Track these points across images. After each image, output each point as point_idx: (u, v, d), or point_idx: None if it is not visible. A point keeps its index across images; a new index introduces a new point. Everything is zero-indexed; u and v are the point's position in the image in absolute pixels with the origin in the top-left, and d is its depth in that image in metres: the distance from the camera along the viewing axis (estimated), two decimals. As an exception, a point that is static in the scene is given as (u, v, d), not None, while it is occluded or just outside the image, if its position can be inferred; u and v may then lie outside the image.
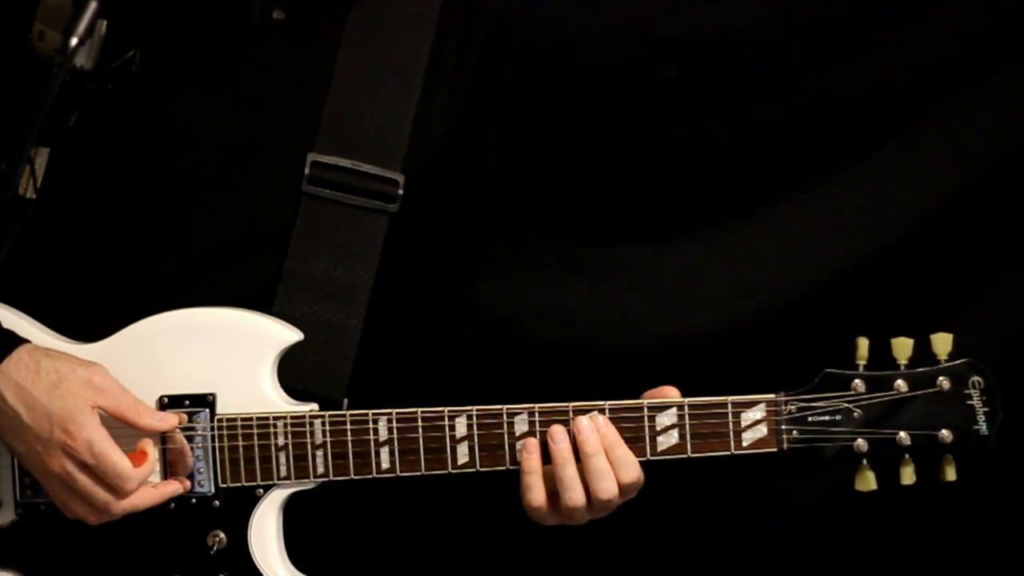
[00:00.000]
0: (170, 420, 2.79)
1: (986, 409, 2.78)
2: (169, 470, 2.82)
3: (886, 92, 3.73)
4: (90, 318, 2.87)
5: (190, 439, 2.82)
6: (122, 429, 2.75)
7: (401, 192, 2.94)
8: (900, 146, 3.74)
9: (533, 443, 2.81)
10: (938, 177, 3.75)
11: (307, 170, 2.90)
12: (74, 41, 2.66)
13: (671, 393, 2.84)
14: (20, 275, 2.88)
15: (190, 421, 2.82)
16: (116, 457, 2.69)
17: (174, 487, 2.80)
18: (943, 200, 3.74)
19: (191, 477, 2.83)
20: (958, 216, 3.73)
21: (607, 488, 2.79)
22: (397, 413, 2.82)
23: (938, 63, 3.74)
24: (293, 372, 2.87)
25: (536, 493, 2.81)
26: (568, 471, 2.79)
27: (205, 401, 2.83)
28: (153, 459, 2.76)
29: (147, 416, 2.76)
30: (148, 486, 2.75)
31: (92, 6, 2.67)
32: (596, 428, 2.79)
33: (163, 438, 2.82)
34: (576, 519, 2.84)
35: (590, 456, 2.79)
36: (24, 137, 2.68)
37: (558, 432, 2.80)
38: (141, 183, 2.90)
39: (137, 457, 2.73)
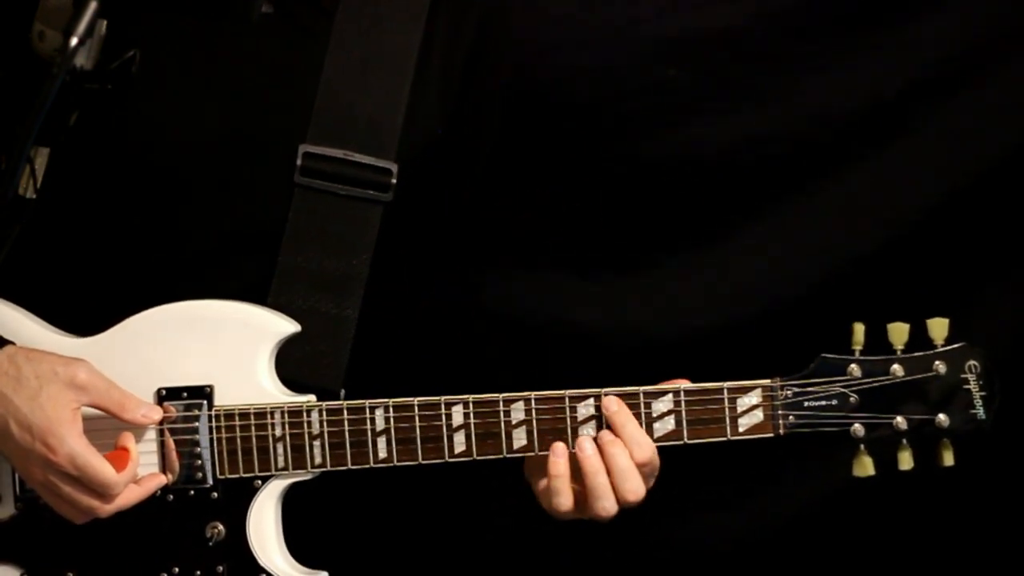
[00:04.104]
0: (156, 414, 2.80)
1: (983, 393, 2.77)
2: (165, 461, 2.84)
3: (886, 92, 3.74)
4: (89, 315, 2.87)
5: (187, 431, 2.83)
6: (109, 420, 2.76)
7: (394, 181, 2.95)
8: (900, 146, 3.75)
9: (562, 447, 2.81)
10: (938, 176, 3.76)
11: (299, 162, 2.92)
12: (74, 41, 2.66)
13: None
14: (20, 275, 2.88)
15: (188, 412, 2.83)
16: (99, 466, 2.69)
17: (158, 480, 2.80)
18: (943, 199, 3.75)
19: (188, 468, 2.84)
20: (958, 215, 3.73)
21: (635, 490, 2.79)
22: (394, 402, 2.82)
23: (938, 63, 3.74)
24: (290, 363, 2.87)
25: (566, 497, 2.82)
26: (600, 479, 2.79)
27: (203, 393, 2.83)
28: (136, 457, 2.76)
29: (132, 411, 2.77)
30: (132, 484, 2.76)
31: (92, 6, 2.68)
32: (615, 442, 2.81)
33: (160, 430, 2.83)
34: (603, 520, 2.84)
35: (615, 457, 2.80)
36: (24, 137, 2.69)
37: (587, 442, 2.80)
38: (139, 181, 2.91)
39: (119, 458, 2.73)
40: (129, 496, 2.75)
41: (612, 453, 2.79)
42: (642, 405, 2.81)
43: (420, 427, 2.82)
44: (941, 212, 3.74)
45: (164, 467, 2.83)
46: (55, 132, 2.83)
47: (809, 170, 3.75)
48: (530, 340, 3.69)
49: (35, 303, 2.89)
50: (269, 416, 2.83)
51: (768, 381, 2.80)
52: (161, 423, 2.82)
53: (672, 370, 2.90)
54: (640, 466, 2.79)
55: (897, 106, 3.74)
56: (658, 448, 2.83)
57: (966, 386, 2.77)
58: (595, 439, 2.81)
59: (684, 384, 2.83)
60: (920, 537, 3.78)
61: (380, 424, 2.82)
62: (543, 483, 2.85)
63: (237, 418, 2.83)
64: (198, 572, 2.84)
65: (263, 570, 2.84)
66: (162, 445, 2.83)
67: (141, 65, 2.87)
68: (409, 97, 2.97)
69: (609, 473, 2.79)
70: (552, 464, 2.81)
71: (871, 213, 3.76)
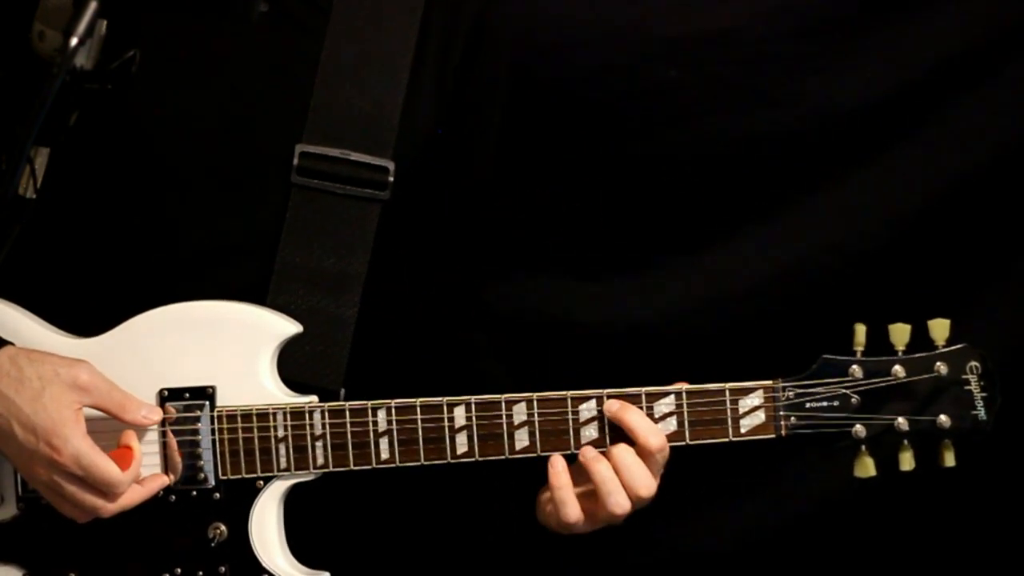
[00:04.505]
0: (156, 415, 2.80)
1: (984, 394, 2.77)
2: (167, 461, 2.84)
3: (887, 92, 3.74)
4: (89, 314, 2.88)
5: (190, 432, 2.83)
6: (110, 421, 2.76)
7: (392, 179, 2.95)
8: (900, 146, 3.75)
9: (561, 460, 2.81)
10: (938, 176, 3.75)
11: (296, 161, 2.92)
12: (74, 41, 2.68)
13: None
14: (20, 274, 2.89)
15: (190, 413, 2.83)
16: (104, 465, 2.69)
17: (160, 481, 2.81)
18: (943, 199, 3.75)
19: (190, 469, 2.84)
20: (958, 215, 3.73)
21: (647, 484, 2.79)
22: (396, 403, 2.82)
23: (939, 63, 3.74)
24: (289, 363, 2.87)
25: (573, 508, 2.80)
26: (608, 475, 2.78)
27: (205, 394, 2.84)
28: (139, 456, 2.76)
29: (133, 412, 2.76)
30: (135, 484, 2.76)
31: (92, 6, 2.69)
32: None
33: (162, 431, 2.83)
34: (614, 523, 2.83)
35: (621, 454, 2.79)
36: (24, 137, 2.70)
37: (588, 448, 2.81)
38: (138, 181, 2.92)
39: (123, 456, 2.74)
40: (132, 496, 2.75)
41: (616, 452, 2.78)
42: (644, 406, 2.81)
43: (422, 428, 2.82)
44: (941, 212, 3.74)
45: (166, 468, 2.83)
46: (55, 132, 2.84)
47: (809, 170, 3.75)
48: (529, 340, 3.69)
49: (35, 303, 2.89)
50: (271, 417, 2.83)
51: (770, 382, 2.80)
52: (163, 424, 2.82)
53: (672, 370, 2.91)
54: (656, 452, 2.77)
55: (897, 106, 3.73)
56: None
57: (967, 387, 2.77)
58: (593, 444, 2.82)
59: (685, 386, 2.82)
60: (921, 537, 3.78)
61: (382, 425, 2.82)
62: (547, 499, 2.84)
63: (239, 419, 2.83)
64: (200, 573, 2.84)
65: (265, 571, 2.84)
66: (164, 446, 2.83)
67: (141, 65, 2.87)
68: (406, 95, 2.98)
69: (617, 471, 2.78)
70: (554, 476, 2.80)
71: (872, 213, 3.76)
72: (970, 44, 3.75)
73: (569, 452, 2.83)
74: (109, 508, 2.73)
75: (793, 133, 3.73)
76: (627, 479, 2.78)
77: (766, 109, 3.73)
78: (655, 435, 2.78)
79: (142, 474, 2.79)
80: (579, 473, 2.82)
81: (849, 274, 3.75)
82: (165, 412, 2.82)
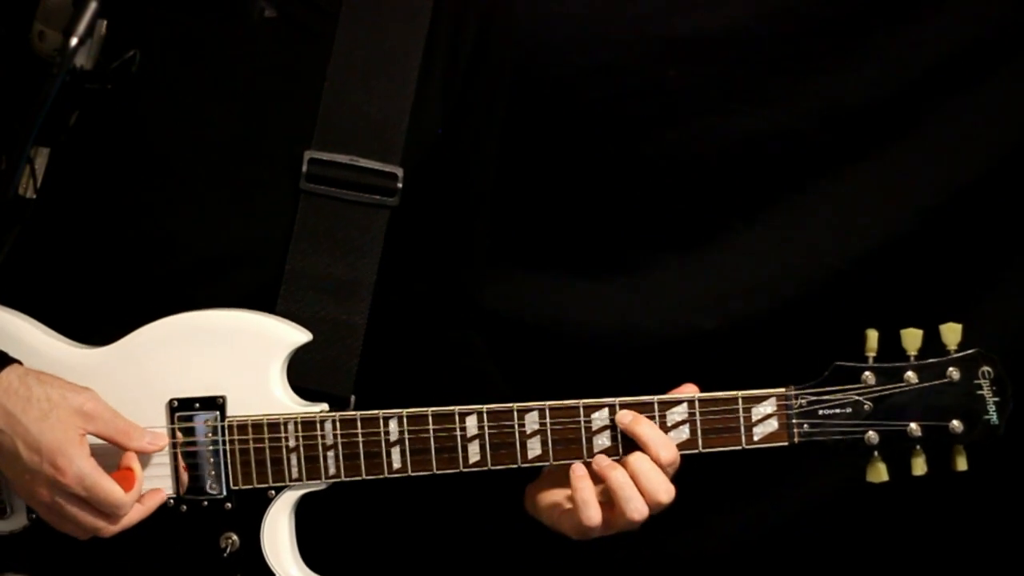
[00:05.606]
0: (161, 441, 2.78)
1: (996, 399, 2.77)
2: (176, 472, 2.82)
3: (887, 92, 3.74)
4: (91, 319, 2.86)
5: (200, 442, 2.81)
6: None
7: (400, 185, 2.94)
8: (901, 145, 3.74)
9: (582, 467, 2.79)
10: (941, 175, 3.75)
11: (304, 168, 2.90)
12: (74, 41, 2.68)
13: (689, 390, 2.82)
14: (21, 276, 2.87)
15: (200, 423, 2.81)
16: (108, 487, 2.67)
17: (159, 497, 2.79)
18: (946, 198, 3.75)
19: (200, 479, 2.82)
20: (961, 214, 3.73)
21: (667, 489, 2.77)
22: (407, 413, 2.80)
23: (938, 63, 3.74)
24: (299, 371, 2.86)
25: (594, 509, 2.77)
26: (625, 480, 2.76)
27: (215, 404, 2.82)
28: (140, 477, 2.74)
29: (137, 439, 2.75)
30: (136, 503, 2.74)
31: (92, 6, 2.68)
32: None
33: (172, 443, 2.81)
34: (632, 529, 2.82)
35: (637, 461, 2.78)
36: (24, 137, 2.68)
37: (602, 457, 2.79)
38: (141, 184, 2.89)
39: (125, 478, 2.72)
40: (133, 516, 2.74)
41: (632, 460, 2.77)
42: (656, 415, 2.80)
43: (434, 437, 2.80)
44: (946, 213, 3.73)
45: (176, 479, 2.81)
46: (55, 132, 2.82)
47: (810, 169, 3.74)
48: (529, 341, 3.69)
49: (35, 305, 2.87)
50: (282, 427, 2.81)
51: (782, 390, 2.79)
52: (173, 435, 2.80)
53: (672, 371, 2.90)
54: (667, 465, 2.77)
55: (898, 105, 3.73)
56: None
57: (979, 392, 2.77)
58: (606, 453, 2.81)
59: (697, 393, 2.81)
60: (929, 539, 3.79)
61: (394, 435, 2.80)
62: (564, 503, 2.83)
63: (250, 429, 2.81)
64: (212, 583, 2.83)
65: (277, 580, 2.83)
66: (174, 456, 2.81)
67: (141, 65, 2.85)
68: (414, 100, 2.96)
69: (635, 478, 2.76)
70: (576, 479, 2.78)
71: (874, 210, 3.75)
72: (969, 44, 3.75)
73: (582, 461, 2.82)
74: (111, 529, 2.73)
75: (793, 133, 3.73)
76: (645, 486, 2.76)
77: (766, 109, 3.72)
78: (667, 448, 2.77)
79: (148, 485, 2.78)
80: (594, 481, 2.80)
81: (852, 275, 3.74)
82: (172, 437, 2.80)
